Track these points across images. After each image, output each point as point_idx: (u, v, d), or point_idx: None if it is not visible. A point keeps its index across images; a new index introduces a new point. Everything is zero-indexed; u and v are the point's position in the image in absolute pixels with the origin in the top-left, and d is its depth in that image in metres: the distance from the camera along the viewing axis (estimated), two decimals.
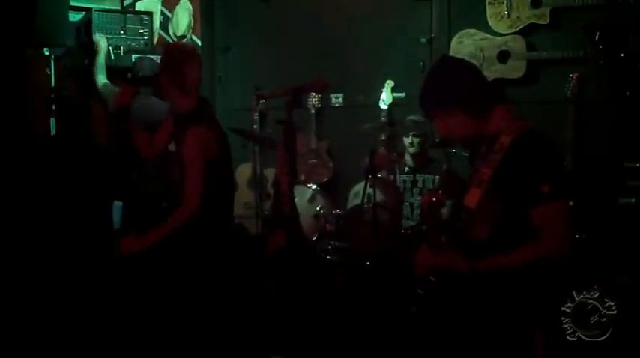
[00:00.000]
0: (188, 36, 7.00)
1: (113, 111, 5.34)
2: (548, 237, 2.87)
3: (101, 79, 5.86)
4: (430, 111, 3.20)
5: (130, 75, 5.74)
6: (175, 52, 4.47)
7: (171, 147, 4.74)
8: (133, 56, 6.06)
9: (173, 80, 4.28)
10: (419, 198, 5.82)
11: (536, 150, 2.94)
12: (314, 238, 5.93)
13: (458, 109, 3.05)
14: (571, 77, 5.24)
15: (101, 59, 5.92)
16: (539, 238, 2.88)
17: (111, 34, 6.09)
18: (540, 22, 5.90)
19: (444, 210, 3.43)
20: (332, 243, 5.67)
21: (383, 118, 6.27)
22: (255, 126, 6.54)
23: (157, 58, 6.06)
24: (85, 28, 5.95)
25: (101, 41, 5.98)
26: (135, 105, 5.42)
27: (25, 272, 4.81)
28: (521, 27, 5.97)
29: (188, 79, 4.32)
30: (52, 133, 5.70)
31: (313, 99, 6.74)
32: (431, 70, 3.29)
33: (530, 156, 2.92)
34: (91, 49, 5.92)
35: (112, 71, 5.85)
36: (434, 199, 3.21)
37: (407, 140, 5.83)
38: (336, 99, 6.99)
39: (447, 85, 3.09)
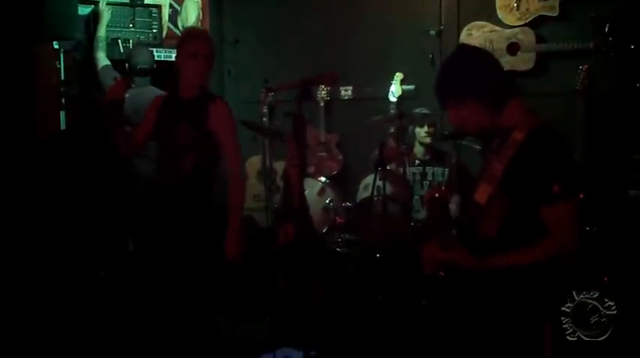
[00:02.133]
0: None
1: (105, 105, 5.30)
2: (558, 235, 2.86)
3: (102, 57, 5.82)
4: (444, 100, 3.15)
5: (127, 66, 5.73)
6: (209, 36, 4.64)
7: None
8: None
9: (211, 62, 4.42)
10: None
11: (548, 147, 2.91)
12: (324, 231, 5.93)
13: (472, 100, 3.02)
14: (580, 69, 5.25)
15: (102, 31, 5.89)
16: (549, 236, 2.87)
17: (120, 27, 6.10)
18: (550, 14, 5.90)
19: (452, 206, 3.42)
20: (342, 235, 5.69)
21: (392, 111, 6.27)
22: (264, 119, 6.55)
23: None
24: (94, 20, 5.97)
25: (104, 10, 5.96)
26: (126, 95, 5.42)
27: (32, 270, 4.83)
28: (530, 19, 5.97)
29: None
30: (62, 127, 5.71)
31: (322, 91, 6.74)
32: (448, 59, 3.20)
33: (542, 154, 2.89)
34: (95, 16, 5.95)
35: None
36: (437, 195, 3.19)
37: (422, 130, 5.83)
38: (346, 91, 6.99)
39: (463, 75, 3.05)
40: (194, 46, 4.35)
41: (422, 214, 5.76)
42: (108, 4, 5.98)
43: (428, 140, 5.85)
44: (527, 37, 5.96)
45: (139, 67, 5.66)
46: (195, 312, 4.47)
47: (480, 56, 3.15)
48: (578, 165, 4.96)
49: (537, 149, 2.90)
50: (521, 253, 2.91)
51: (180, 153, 4.37)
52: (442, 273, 3.13)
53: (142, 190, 5.58)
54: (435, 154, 5.93)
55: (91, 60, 5.87)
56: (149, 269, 4.45)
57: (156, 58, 5.99)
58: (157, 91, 5.67)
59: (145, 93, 5.59)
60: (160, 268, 4.37)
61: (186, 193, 4.36)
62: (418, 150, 5.95)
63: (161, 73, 5.82)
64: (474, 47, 3.30)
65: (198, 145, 4.35)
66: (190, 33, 4.81)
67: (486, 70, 3.06)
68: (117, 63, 5.88)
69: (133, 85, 5.60)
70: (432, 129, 5.84)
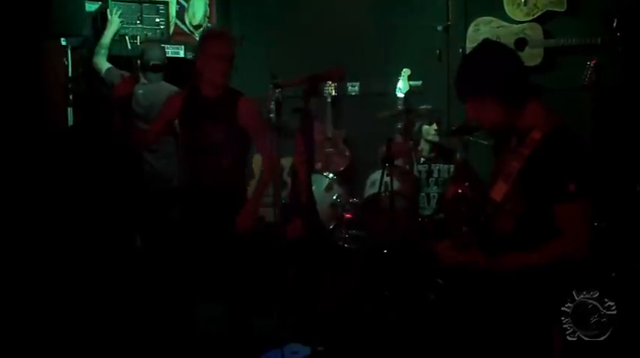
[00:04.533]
0: (204, 25, 6.97)
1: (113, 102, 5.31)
2: (571, 235, 2.87)
3: (102, 62, 5.80)
4: (465, 92, 3.15)
5: (139, 62, 5.74)
6: (230, 35, 4.79)
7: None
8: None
9: (233, 62, 4.52)
10: (435, 187, 5.82)
11: (565, 147, 2.93)
12: (331, 226, 5.93)
13: (493, 96, 3.02)
14: (589, 64, 5.23)
15: (107, 39, 5.89)
16: (562, 236, 2.88)
17: (127, 23, 6.10)
18: (557, 9, 5.89)
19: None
20: (349, 231, 5.68)
21: (400, 106, 6.25)
22: (271, 115, 6.54)
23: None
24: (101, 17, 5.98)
25: (114, 17, 5.96)
26: (139, 91, 5.43)
27: (40, 268, 4.84)
28: (538, 14, 5.96)
29: None
30: (69, 123, 5.72)
31: (330, 87, 6.75)
32: (471, 53, 3.25)
33: (559, 154, 2.90)
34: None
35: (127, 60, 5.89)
36: (460, 191, 3.20)
37: (431, 128, 5.82)
38: (353, 87, 6.99)
39: (486, 72, 3.04)
40: (218, 47, 4.43)
41: (428, 211, 5.76)
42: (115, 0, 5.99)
43: (436, 138, 5.84)
44: (534, 32, 5.95)
45: (151, 62, 5.67)
46: (207, 306, 4.53)
47: (505, 54, 3.13)
48: (592, 165, 4.95)
49: (554, 148, 2.91)
50: (535, 252, 2.91)
51: (215, 150, 4.44)
52: (440, 281, 3.14)
53: (155, 186, 5.61)
54: (440, 151, 5.91)
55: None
56: (171, 267, 4.52)
57: None
58: (170, 87, 5.69)
59: (157, 89, 5.61)
60: (191, 265, 4.45)
61: (225, 188, 4.51)
62: (424, 147, 5.94)
63: (170, 68, 5.84)
64: (500, 44, 3.28)
65: (232, 141, 4.48)
66: (213, 33, 4.94)
67: (510, 68, 3.06)
68: (125, 59, 5.90)
69: (145, 81, 5.62)
70: (439, 127, 5.83)
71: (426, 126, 5.87)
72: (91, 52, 5.85)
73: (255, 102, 4.65)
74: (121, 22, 5.97)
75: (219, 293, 4.56)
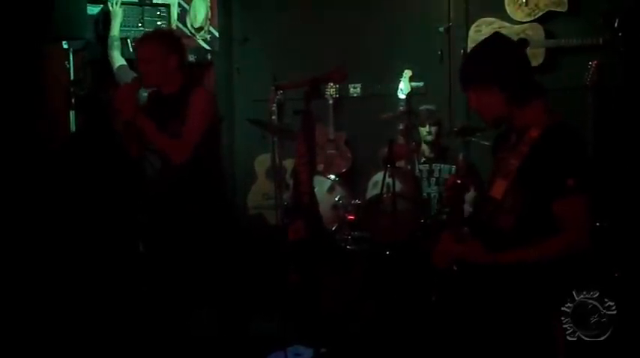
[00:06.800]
0: (206, 27, 6.97)
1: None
2: (570, 230, 2.88)
3: (117, 57, 5.81)
4: (470, 80, 3.15)
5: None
6: (178, 36, 4.70)
7: None
8: None
9: (183, 59, 4.47)
10: (435, 187, 5.82)
11: (563, 143, 2.94)
12: (333, 228, 5.93)
13: (497, 87, 3.02)
14: (590, 64, 5.23)
15: (116, 31, 5.88)
16: (562, 231, 2.89)
17: (129, 26, 6.10)
18: (559, 10, 5.89)
19: (467, 198, 3.43)
20: (351, 232, 5.68)
21: (401, 108, 6.24)
22: (273, 117, 6.54)
23: None
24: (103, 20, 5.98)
25: (117, 7, 5.95)
26: (143, 94, 5.44)
27: (45, 271, 4.85)
28: (539, 14, 5.96)
29: None
30: (72, 127, 5.72)
31: (331, 89, 6.73)
32: (480, 43, 3.25)
33: (557, 149, 2.91)
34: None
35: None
36: (458, 181, 3.21)
37: (424, 129, 5.82)
38: (354, 89, 6.98)
39: (493, 61, 3.06)
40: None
41: (430, 210, 5.76)
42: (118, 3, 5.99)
43: (430, 139, 5.84)
44: (536, 32, 5.95)
45: None
46: (205, 310, 4.50)
47: (515, 48, 3.17)
48: (592, 164, 4.95)
49: (552, 144, 2.92)
50: (534, 248, 2.92)
51: None
52: (455, 268, 3.14)
53: (159, 189, 5.60)
54: (440, 150, 5.91)
55: (102, 59, 5.87)
56: (157, 268, 4.48)
57: None
58: None
59: None
60: (169, 267, 4.40)
61: (183, 187, 4.39)
62: (424, 148, 5.94)
63: None
64: (511, 39, 3.30)
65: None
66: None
67: (519, 63, 3.08)
68: (127, 62, 5.90)
69: None
70: (434, 129, 5.82)
71: (420, 128, 5.86)
72: (92, 54, 5.86)
73: (209, 94, 4.54)
74: (122, 10, 5.97)
75: (210, 298, 4.53)
